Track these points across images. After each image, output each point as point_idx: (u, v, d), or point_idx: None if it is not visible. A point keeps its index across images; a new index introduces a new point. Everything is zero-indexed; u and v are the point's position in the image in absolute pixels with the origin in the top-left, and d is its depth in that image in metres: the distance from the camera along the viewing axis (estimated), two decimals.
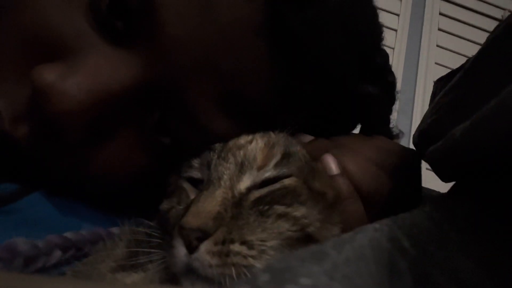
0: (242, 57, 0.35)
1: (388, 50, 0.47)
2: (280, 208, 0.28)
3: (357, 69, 0.40)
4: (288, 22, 0.34)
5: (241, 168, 0.31)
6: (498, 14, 1.86)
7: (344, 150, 0.35)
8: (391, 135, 0.48)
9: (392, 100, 0.46)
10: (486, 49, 0.25)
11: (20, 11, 0.34)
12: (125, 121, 0.35)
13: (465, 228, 0.23)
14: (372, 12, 0.43)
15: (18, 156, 0.34)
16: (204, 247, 0.27)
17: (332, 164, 0.33)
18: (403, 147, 0.40)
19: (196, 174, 0.33)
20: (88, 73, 0.32)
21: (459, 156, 0.24)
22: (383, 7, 1.76)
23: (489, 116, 0.19)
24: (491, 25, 1.81)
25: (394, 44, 1.72)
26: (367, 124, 0.44)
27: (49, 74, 0.31)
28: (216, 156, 0.32)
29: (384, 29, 0.45)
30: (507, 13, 1.85)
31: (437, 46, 1.75)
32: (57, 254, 0.31)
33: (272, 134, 0.34)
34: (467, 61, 0.33)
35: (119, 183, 0.38)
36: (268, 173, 0.30)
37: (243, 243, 0.27)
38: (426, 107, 0.40)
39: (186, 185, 0.33)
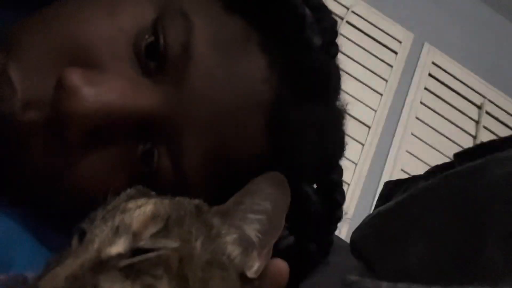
0: (243, 126, 0.40)
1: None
2: (147, 279, 0.27)
3: (315, 173, 0.45)
4: (288, 109, 0.40)
5: (116, 232, 0.30)
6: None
7: None
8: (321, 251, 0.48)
9: (333, 217, 0.47)
10: (412, 200, 0.25)
11: (69, 17, 0.38)
12: (120, 141, 0.37)
13: None
14: (342, 134, 0.49)
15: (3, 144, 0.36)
16: None
17: None
18: None
19: (86, 226, 0.32)
20: (112, 89, 0.36)
21: None
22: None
23: None
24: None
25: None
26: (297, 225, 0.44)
27: (77, 76, 0.35)
28: (100, 217, 0.31)
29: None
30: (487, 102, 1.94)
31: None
32: None
33: (165, 201, 0.33)
34: (407, 179, 0.34)
35: (88, 199, 0.36)
36: (142, 242, 0.29)
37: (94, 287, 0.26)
38: None
39: (74, 239, 0.32)
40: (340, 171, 0.48)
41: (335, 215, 0.46)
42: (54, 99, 0.35)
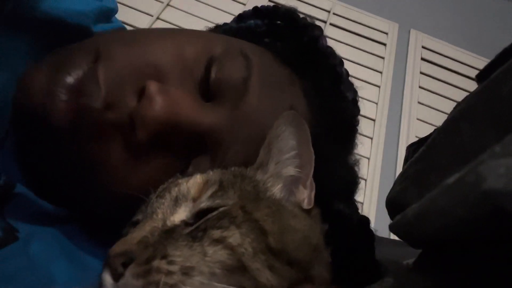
0: None
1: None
2: (215, 233, 0.28)
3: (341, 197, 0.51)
4: (319, 144, 0.43)
5: (176, 202, 0.31)
6: None
7: None
8: None
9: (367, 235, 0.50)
10: (442, 130, 0.26)
11: (149, 44, 0.45)
12: (171, 151, 0.43)
13: None
14: (356, 177, 0.56)
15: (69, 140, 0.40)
16: (129, 271, 0.26)
17: None
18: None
19: (140, 216, 0.33)
20: (183, 103, 0.42)
21: (413, 234, 0.24)
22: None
23: (435, 200, 0.20)
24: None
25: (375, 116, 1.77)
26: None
27: (157, 88, 0.41)
28: (155, 196, 0.33)
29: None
30: None
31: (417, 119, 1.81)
32: None
33: (210, 172, 0.35)
34: (430, 134, 0.35)
35: (126, 200, 0.39)
36: (203, 203, 0.30)
37: (163, 257, 0.26)
38: None
39: (132, 229, 0.33)
40: (354, 206, 0.53)
41: (369, 233, 0.49)
42: (137, 104, 0.41)
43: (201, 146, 0.43)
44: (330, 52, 0.57)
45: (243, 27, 0.59)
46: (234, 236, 0.28)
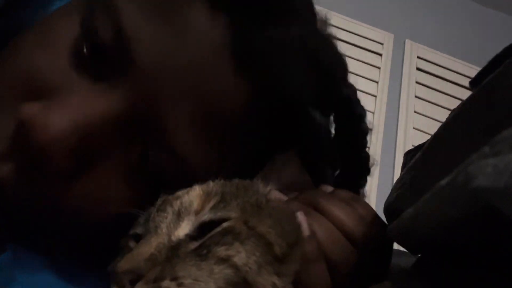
0: (213, 78, 0.37)
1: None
2: (220, 251, 0.28)
3: (317, 96, 0.42)
4: (251, 41, 0.37)
5: (179, 216, 0.31)
6: None
7: (318, 212, 0.35)
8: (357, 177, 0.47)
9: (358, 131, 0.45)
10: (437, 136, 0.27)
11: (8, 57, 0.37)
12: (108, 153, 0.36)
13: None
14: (336, 51, 0.46)
15: None
16: None
17: (303, 224, 0.33)
18: (377, 217, 0.39)
19: (140, 230, 0.33)
20: (70, 106, 0.34)
21: (409, 238, 0.25)
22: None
23: (428, 202, 0.21)
24: None
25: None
26: (308, 153, 0.42)
27: (34, 109, 0.34)
28: (155, 210, 0.32)
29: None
30: None
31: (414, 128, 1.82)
32: None
33: (210, 182, 0.34)
34: (427, 141, 0.35)
35: (95, 221, 0.37)
36: (205, 216, 0.30)
37: (173, 279, 0.26)
38: None
39: (131, 243, 0.33)
40: (350, 87, 0.45)
41: (360, 128, 0.44)
42: (20, 139, 0.33)
43: (135, 134, 0.36)
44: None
45: None
46: (239, 255, 0.28)
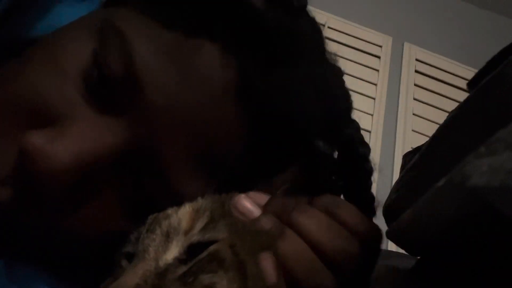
0: (217, 120, 0.37)
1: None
2: (205, 279, 0.27)
3: (324, 134, 0.41)
4: (256, 83, 0.37)
5: (167, 237, 0.30)
6: None
7: (290, 228, 0.33)
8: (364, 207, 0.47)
9: (361, 172, 0.44)
10: (436, 137, 0.27)
11: (13, 80, 0.36)
12: (105, 184, 0.36)
13: None
14: (343, 87, 0.46)
15: None
16: None
17: (267, 271, 0.30)
18: (364, 221, 0.36)
19: (131, 248, 0.33)
20: (75, 138, 0.34)
21: (409, 239, 0.25)
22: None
23: (426, 203, 0.21)
24: None
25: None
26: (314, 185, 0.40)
27: (37, 138, 0.33)
28: (145, 230, 0.32)
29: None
30: None
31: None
32: None
33: (200, 199, 0.34)
34: (425, 142, 0.36)
35: (90, 242, 0.37)
36: (194, 237, 0.30)
37: None
38: None
39: (123, 262, 0.32)
40: (355, 125, 0.44)
41: (364, 169, 0.43)
42: (22, 167, 0.33)
43: (134, 166, 0.36)
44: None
45: None
46: (221, 283, 0.28)
